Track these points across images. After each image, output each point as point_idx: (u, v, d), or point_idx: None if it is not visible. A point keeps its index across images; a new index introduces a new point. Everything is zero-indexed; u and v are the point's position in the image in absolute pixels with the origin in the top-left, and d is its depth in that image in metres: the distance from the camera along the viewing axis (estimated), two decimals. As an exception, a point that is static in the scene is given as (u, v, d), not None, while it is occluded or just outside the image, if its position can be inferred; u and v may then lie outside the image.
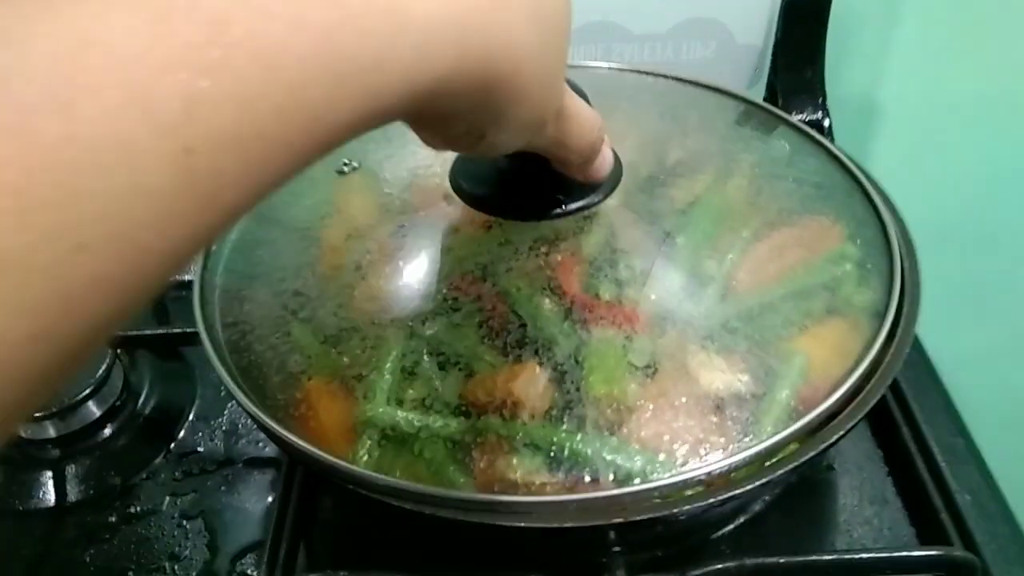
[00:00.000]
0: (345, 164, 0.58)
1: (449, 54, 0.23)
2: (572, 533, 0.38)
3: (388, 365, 0.48)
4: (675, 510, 0.38)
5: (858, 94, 0.82)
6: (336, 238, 0.56)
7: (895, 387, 0.55)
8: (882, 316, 0.47)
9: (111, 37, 0.17)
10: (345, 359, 0.50)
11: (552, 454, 0.42)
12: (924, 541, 0.48)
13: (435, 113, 0.27)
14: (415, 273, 0.54)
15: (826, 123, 0.71)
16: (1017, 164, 0.85)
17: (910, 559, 0.44)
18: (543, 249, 0.53)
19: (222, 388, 0.46)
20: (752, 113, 0.61)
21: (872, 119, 0.85)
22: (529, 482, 0.42)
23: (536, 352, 0.47)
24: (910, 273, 0.46)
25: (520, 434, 0.42)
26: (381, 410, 0.46)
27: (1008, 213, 0.89)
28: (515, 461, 0.41)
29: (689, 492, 0.40)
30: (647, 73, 0.62)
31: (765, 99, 0.73)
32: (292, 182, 0.23)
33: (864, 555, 0.45)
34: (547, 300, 0.49)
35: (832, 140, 0.71)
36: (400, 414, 0.46)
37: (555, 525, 0.38)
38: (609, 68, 0.63)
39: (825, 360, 0.46)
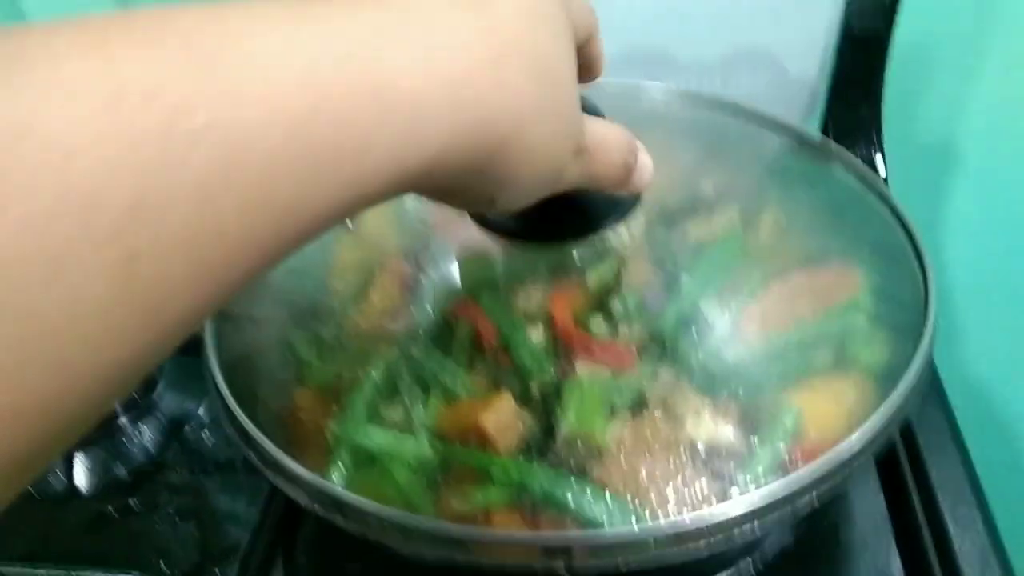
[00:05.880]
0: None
1: (443, 130, 0.20)
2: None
3: (368, 383, 0.47)
4: (635, 556, 0.36)
5: (929, 134, 0.78)
6: (346, 252, 0.56)
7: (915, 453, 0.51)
8: (891, 380, 0.44)
9: (50, 127, 0.14)
10: (331, 371, 0.49)
11: (519, 490, 0.41)
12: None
13: (433, 188, 0.24)
14: (412, 292, 0.53)
15: (879, 163, 0.67)
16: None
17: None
18: (543, 277, 0.52)
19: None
20: (799, 149, 0.59)
21: (944, 164, 0.81)
22: (494, 515, 0.40)
23: (516, 383, 0.45)
24: (928, 336, 0.43)
25: (488, 466, 0.41)
26: (354, 427, 0.45)
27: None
28: (481, 493, 0.40)
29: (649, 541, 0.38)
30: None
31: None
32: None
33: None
34: (535, 330, 0.48)
35: (886, 182, 0.67)
36: (373, 434, 0.45)
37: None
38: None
39: (822, 417, 0.43)
